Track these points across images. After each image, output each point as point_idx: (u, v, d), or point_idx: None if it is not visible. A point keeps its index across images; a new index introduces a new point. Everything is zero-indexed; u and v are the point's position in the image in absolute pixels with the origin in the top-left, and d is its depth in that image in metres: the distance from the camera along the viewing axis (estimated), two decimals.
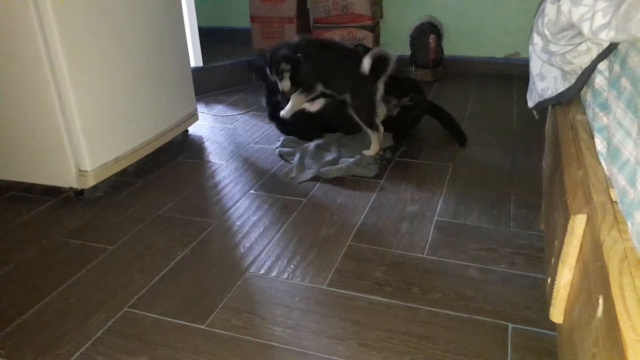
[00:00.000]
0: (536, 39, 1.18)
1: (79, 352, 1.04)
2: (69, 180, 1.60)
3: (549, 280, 0.89)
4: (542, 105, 1.27)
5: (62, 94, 1.49)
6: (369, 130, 1.82)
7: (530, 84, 1.34)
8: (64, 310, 1.17)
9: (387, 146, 1.88)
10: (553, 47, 1.08)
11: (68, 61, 1.46)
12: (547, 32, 1.07)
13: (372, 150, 1.83)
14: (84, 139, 1.55)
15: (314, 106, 1.91)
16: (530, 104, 1.34)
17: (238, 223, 1.50)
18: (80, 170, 1.59)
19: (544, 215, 1.24)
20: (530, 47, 1.24)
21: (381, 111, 1.88)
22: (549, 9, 1.07)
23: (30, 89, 1.49)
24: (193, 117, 2.12)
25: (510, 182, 1.68)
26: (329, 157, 1.84)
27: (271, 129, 2.17)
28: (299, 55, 1.80)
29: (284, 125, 2.04)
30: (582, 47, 1.01)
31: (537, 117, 1.41)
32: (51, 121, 1.52)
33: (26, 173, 1.65)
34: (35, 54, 1.43)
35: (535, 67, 1.27)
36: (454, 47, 2.87)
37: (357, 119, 1.81)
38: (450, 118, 2.06)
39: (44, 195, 1.67)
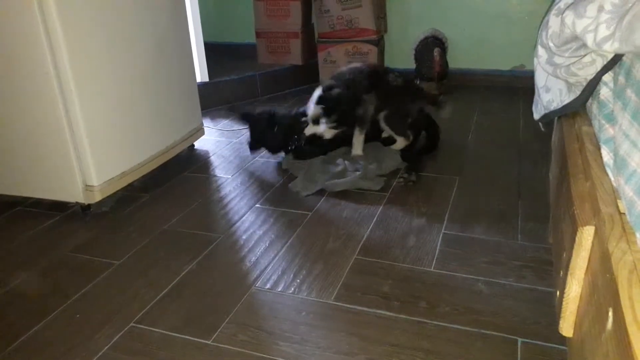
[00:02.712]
0: (540, 51, 1.18)
1: None
2: (75, 195, 1.61)
3: (557, 293, 0.88)
4: (548, 117, 1.27)
5: (69, 110, 1.50)
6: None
7: (536, 96, 1.34)
8: (70, 325, 1.17)
9: (406, 168, 1.87)
10: (558, 59, 1.08)
11: (75, 77, 1.48)
12: (551, 44, 1.08)
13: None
14: (90, 154, 1.56)
15: (330, 133, 1.93)
16: (536, 116, 1.34)
17: (244, 237, 1.50)
18: (87, 185, 1.59)
19: (552, 227, 1.23)
20: (535, 59, 1.25)
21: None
22: (553, 22, 1.07)
23: (38, 105, 1.50)
24: (199, 131, 2.14)
25: (518, 194, 1.67)
26: (334, 170, 1.84)
27: None
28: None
29: (303, 155, 1.99)
30: (587, 58, 1.01)
31: (543, 129, 1.40)
32: (58, 137, 1.53)
33: (33, 188, 1.66)
34: (43, 70, 1.45)
35: (540, 79, 1.27)
36: (458, 60, 2.89)
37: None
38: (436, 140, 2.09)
39: (51, 210, 1.68)
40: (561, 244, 0.92)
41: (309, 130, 1.92)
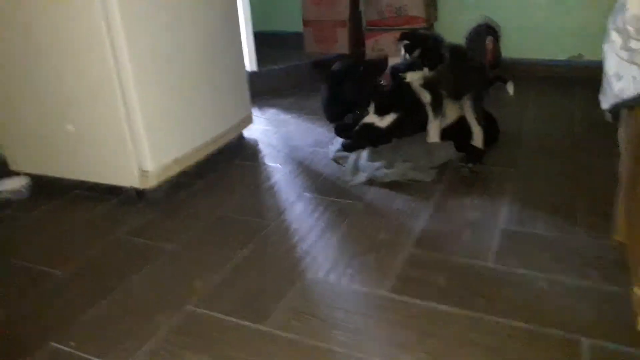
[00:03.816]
0: (614, 36, 1.12)
1: (142, 348, 1.06)
2: (131, 180, 1.64)
3: (636, 289, 0.83)
4: (619, 107, 1.20)
5: (126, 97, 1.53)
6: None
7: (605, 84, 1.27)
8: (127, 306, 1.20)
9: (466, 158, 1.81)
10: (636, 44, 1.02)
11: (132, 64, 1.50)
12: (630, 29, 1.01)
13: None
14: (146, 140, 1.59)
15: (384, 121, 1.89)
16: (605, 105, 1.27)
17: (294, 225, 1.50)
18: (142, 171, 1.63)
19: (624, 223, 1.16)
20: (606, 45, 1.18)
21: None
22: (632, 3, 1.01)
23: (96, 91, 1.54)
24: (248, 120, 2.15)
25: (577, 189, 1.60)
26: (383, 160, 1.80)
27: (324, 132, 2.15)
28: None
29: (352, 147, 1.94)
30: None
31: (610, 120, 1.33)
32: (115, 122, 1.56)
33: (91, 173, 1.71)
34: (103, 57, 1.48)
35: (610, 66, 1.20)
36: (512, 49, 2.78)
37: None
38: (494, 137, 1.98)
39: (107, 194, 1.72)
40: (638, 240, 0.87)
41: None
